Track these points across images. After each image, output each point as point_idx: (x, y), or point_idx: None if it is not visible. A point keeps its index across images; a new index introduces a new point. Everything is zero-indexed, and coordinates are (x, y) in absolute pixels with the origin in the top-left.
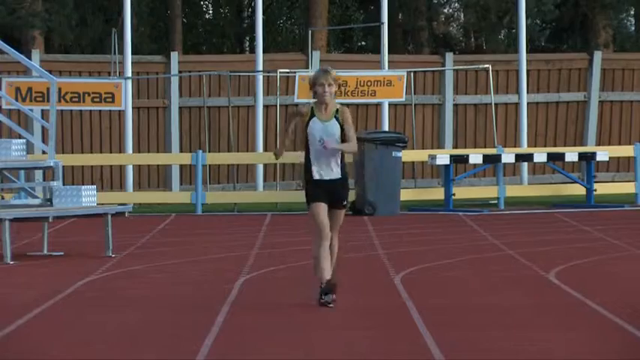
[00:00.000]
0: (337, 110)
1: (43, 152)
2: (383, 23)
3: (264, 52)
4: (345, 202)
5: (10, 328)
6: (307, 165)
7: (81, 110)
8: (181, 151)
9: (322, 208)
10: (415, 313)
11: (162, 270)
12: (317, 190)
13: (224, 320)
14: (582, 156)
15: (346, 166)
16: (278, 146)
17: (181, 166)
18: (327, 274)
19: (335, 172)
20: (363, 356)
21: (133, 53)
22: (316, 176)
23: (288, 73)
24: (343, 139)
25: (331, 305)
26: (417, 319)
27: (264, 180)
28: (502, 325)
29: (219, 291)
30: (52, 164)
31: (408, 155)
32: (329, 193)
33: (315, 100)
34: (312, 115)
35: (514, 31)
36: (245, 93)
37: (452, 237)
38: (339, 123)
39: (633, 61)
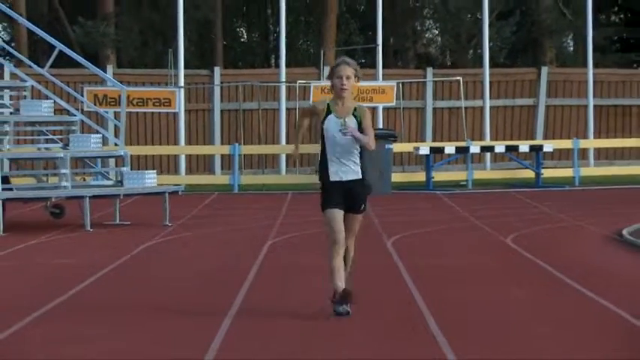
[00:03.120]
0: (355, 109)
1: (115, 144)
2: (378, 45)
3: (286, 67)
4: (364, 207)
5: (89, 280)
6: (323, 165)
7: (145, 112)
8: (222, 144)
9: (338, 215)
10: (404, 271)
11: (207, 236)
12: (333, 195)
13: (255, 274)
14: (532, 148)
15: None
16: (293, 148)
17: (222, 156)
18: (342, 284)
19: (353, 172)
20: (359, 307)
21: (184, 68)
22: (334, 177)
23: (305, 83)
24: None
25: (347, 315)
26: (405, 276)
27: (286, 166)
28: (474, 281)
29: (251, 252)
30: (122, 154)
31: (397, 147)
32: (346, 196)
33: (332, 96)
34: (329, 112)
35: (479, 51)
36: (271, 99)
37: (432, 210)
38: (358, 121)
39: (572, 75)
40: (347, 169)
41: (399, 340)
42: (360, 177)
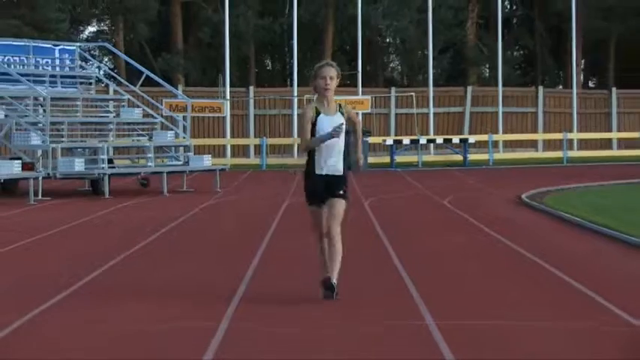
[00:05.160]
0: (340, 105)
1: (183, 137)
2: (358, 72)
3: (297, 86)
4: (343, 192)
5: (167, 227)
6: (311, 159)
7: (203, 116)
8: (254, 137)
9: (319, 210)
10: (376, 223)
11: (244, 198)
12: (314, 188)
13: (277, 223)
14: (461, 140)
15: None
16: (303, 147)
17: (254, 145)
18: (327, 271)
19: (336, 169)
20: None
21: (230, 87)
22: (318, 171)
23: (310, 97)
24: (348, 132)
25: (333, 298)
26: (377, 226)
27: (297, 152)
28: (423, 229)
29: (273, 210)
30: (187, 144)
31: (372, 140)
32: (326, 186)
33: (315, 96)
34: (318, 113)
35: (426, 75)
36: (288, 107)
37: (395, 182)
38: (345, 118)
39: (488, 92)
40: (332, 166)
41: (370, 270)
42: (342, 174)
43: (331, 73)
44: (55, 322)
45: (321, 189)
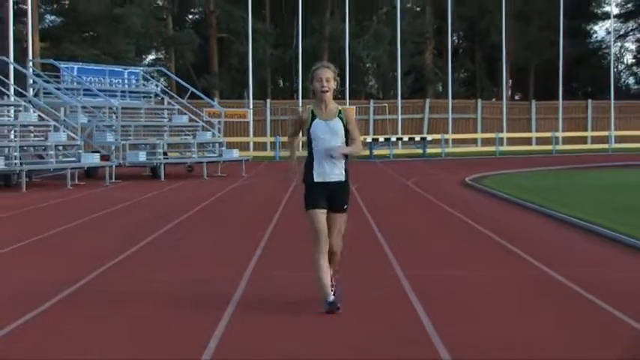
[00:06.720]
0: (340, 111)
1: (218, 136)
2: (346, 88)
3: (302, 99)
4: (346, 207)
5: (210, 199)
6: (308, 167)
7: (233, 120)
8: (270, 136)
9: (321, 215)
10: (361, 203)
11: (264, 181)
12: (316, 195)
13: (287, 198)
14: (422, 138)
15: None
16: (288, 158)
17: (270, 142)
18: (329, 289)
19: (338, 175)
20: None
21: (252, 99)
22: (318, 178)
23: (311, 106)
24: (347, 139)
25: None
26: (360, 203)
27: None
28: (394, 208)
29: (285, 189)
30: (221, 141)
31: None
32: (329, 196)
33: (313, 101)
34: (314, 117)
35: (396, 91)
36: (295, 114)
37: (373, 170)
38: (344, 123)
39: (441, 103)
40: (331, 172)
41: (355, 235)
42: (344, 179)
43: (328, 75)
44: (141, 260)
45: (322, 197)
